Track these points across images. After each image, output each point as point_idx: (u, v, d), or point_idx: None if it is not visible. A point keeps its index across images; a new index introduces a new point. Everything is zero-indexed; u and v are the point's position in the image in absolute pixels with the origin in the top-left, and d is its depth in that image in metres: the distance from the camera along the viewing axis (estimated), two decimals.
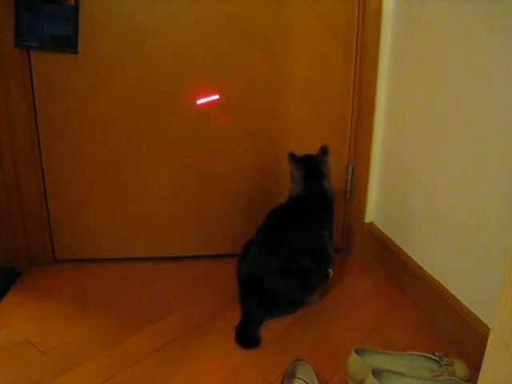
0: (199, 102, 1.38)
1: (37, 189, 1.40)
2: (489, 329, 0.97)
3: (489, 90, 0.98)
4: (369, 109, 1.46)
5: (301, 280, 1.22)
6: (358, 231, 1.59)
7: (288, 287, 1.21)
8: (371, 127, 1.48)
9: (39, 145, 1.37)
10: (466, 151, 1.07)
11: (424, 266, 1.28)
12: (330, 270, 1.39)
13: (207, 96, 1.40)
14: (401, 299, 1.33)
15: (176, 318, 1.22)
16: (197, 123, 1.42)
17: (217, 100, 1.41)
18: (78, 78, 1.33)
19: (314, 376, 0.94)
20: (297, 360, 0.99)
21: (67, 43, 1.29)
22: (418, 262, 1.31)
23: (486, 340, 0.51)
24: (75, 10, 1.26)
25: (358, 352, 0.98)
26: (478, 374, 0.54)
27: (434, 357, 1.00)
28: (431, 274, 1.24)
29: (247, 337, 1.12)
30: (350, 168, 1.54)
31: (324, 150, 1.35)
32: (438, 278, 1.21)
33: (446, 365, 0.98)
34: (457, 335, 1.11)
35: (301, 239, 1.22)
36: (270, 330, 1.17)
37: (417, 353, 1.02)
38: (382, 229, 1.53)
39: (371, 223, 1.59)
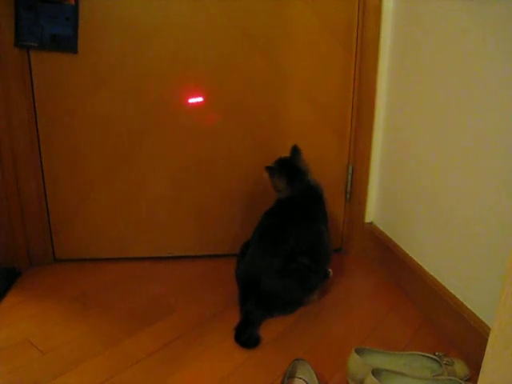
0: (192, 100, 1.38)
1: (37, 189, 1.40)
2: (489, 329, 0.97)
3: (489, 88, 0.98)
4: (369, 109, 1.46)
5: (299, 280, 1.22)
6: (358, 231, 1.59)
7: (287, 287, 1.21)
8: (371, 127, 1.48)
9: (39, 145, 1.38)
10: (466, 151, 1.07)
11: (424, 266, 1.28)
12: (330, 270, 1.39)
13: (207, 96, 1.40)
14: (401, 299, 1.33)
15: (176, 317, 1.22)
16: (197, 123, 1.42)
17: (217, 100, 1.41)
18: (78, 78, 1.33)
19: (314, 376, 0.94)
20: (297, 360, 0.99)
21: (67, 43, 1.29)
22: (418, 261, 1.31)
23: (486, 340, 0.51)
24: (75, 9, 1.26)
25: (358, 352, 0.98)
26: (478, 374, 0.54)
27: (434, 356, 1.00)
28: (431, 273, 1.24)
29: (246, 337, 1.12)
30: (350, 168, 1.54)
31: (295, 150, 1.34)
32: (438, 278, 1.21)
33: (446, 364, 0.98)
34: (457, 335, 1.11)
35: (301, 238, 1.22)
36: (269, 329, 1.17)
37: (417, 352, 1.02)
38: (382, 229, 1.53)
39: (371, 223, 1.59)
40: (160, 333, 1.15)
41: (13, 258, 1.41)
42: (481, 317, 1.04)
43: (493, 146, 0.98)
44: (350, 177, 1.55)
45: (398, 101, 1.39)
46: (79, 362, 1.04)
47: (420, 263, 1.30)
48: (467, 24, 1.04)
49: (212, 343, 1.12)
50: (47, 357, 1.06)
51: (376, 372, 0.90)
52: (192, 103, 1.40)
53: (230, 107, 1.42)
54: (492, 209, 0.99)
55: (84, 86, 1.34)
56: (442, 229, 1.18)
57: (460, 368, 0.99)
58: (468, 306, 1.09)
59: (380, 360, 1.00)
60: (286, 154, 1.36)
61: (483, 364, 0.52)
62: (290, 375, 0.98)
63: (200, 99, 1.40)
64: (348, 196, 1.57)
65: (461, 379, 0.93)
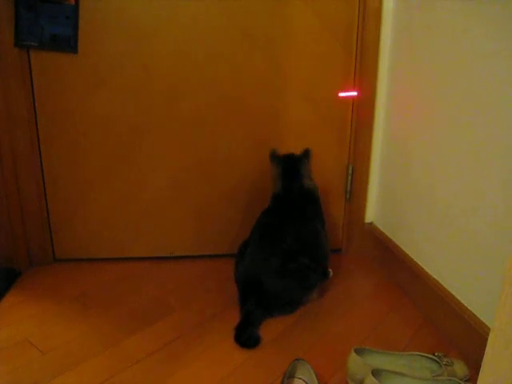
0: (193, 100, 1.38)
1: (37, 189, 1.40)
2: (489, 329, 0.97)
3: (489, 89, 0.98)
4: (369, 109, 1.46)
5: (299, 279, 1.22)
6: (358, 231, 1.59)
7: (287, 287, 1.21)
8: (371, 127, 1.48)
9: (39, 144, 1.38)
10: (465, 151, 1.07)
11: (424, 266, 1.28)
12: (330, 270, 1.39)
13: (207, 96, 1.40)
14: (401, 299, 1.33)
15: (176, 317, 1.22)
16: (197, 123, 1.42)
17: (217, 100, 1.41)
18: (78, 78, 1.33)
19: (314, 376, 0.94)
20: (297, 360, 0.99)
21: (67, 43, 1.29)
22: (417, 261, 1.31)
23: (486, 340, 0.51)
24: (75, 9, 1.26)
25: (358, 352, 0.98)
26: (478, 374, 0.54)
27: (433, 357, 1.00)
28: (431, 273, 1.24)
29: (246, 337, 1.12)
30: (350, 168, 1.54)
31: (306, 153, 1.35)
32: (438, 278, 1.21)
33: (445, 365, 0.98)
34: (457, 335, 1.11)
35: (299, 237, 1.22)
36: (269, 329, 1.17)
37: (417, 353, 1.02)
38: (382, 229, 1.53)
39: (371, 223, 1.59)
40: (160, 333, 1.15)
41: (13, 258, 1.41)
42: (481, 317, 1.04)
43: (493, 145, 0.98)
44: (349, 177, 1.55)
45: (398, 101, 1.39)
46: (79, 362, 1.04)
47: (420, 263, 1.30)
48: (467, 25, 1.04)
49: (212, 343, 1.12)
50: (47, 357, 1.06)
51: (376, 372, 0.90)
52: (192, 103, 1.40)
53: (230, 107, 1.42)
54: (492, 209, 0.99)
55: (84, 85, 1.34)
56: (442, 229, 1.18)
57: (460, 368, 0.99)
58: (468, 307, 1.09)
59: (380, 360, 1.00)
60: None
61: (483, 364, 0.52)
62: (290, 375, 0.98)
63: (200, 99, 1.40)
64: (348, 196, 1.57)
65: (461, 379, 0.93)
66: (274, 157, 1.35)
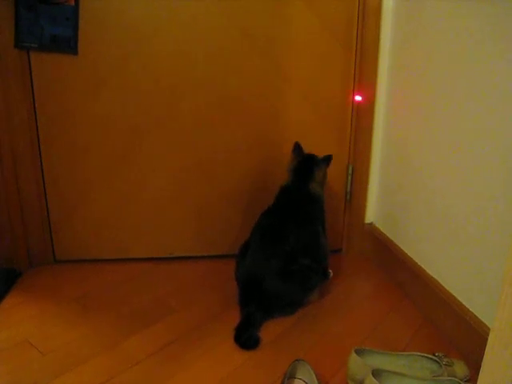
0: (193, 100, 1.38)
1: (37, 189, 1.40)
2: (489, 329, 0.97)
3: (490, 89, 0.98)
4: (369, 109, 1.46)
5: (300, 280, 1.22)
6: (358, 231, 1.59)
7: (288, 288, 1.21)
8: (371, 127, 1.48)
9: (39, 145, 1.38)
10: (466, 151, 1.07)
11: (424, 266, 1.28)
12: (330, 271, 1.39)
13: (207, 96, 1.40)
14: (401, 299, 1.33)
15: (176, 319, 1.22)
16: (197, 123, 1.42)
17: (217, 100, 1.41)
18: (78, 79, 1.33)
19: (314, 376, 0.94)
20: (297, 360, 0.98)
21: (67, 44, 1.29)
22: (417, 262, 1.31)
23: (486, 340, 0.51)
24: (75, 10, 1.26)
25: (358, 352, 0.98)
26: (478, 374, 0.54)
27: (433, 357, 1.00)
28: (431, 274, 1.24)
29: (246, 337, 1.12)
30: (350, 168, 1.54)
31: (326, 158, 1.35)
32: (438, 279, 1.21)
33: (445, 365, 0.98)
34: (457, 335, 1.11)
35: (300, 238, 1.22)
36: (269, 330, 1.17)
37: (417, 353, 1.02)
38: (382, 229, 1.53)
39: (371, 223, 1.59)
40: (160, 334, 1.15)
41: (13, 259, 1.41)
42: (481, 317, 1.04)
43: (493, 146, 0.98)
44: (350, 177, 1.55)
45: (398, 101, 1.39)
46: (79, 363, 1.04)
47: (420, 264, 1.30)
48: (467, 23, 1.04)
49: (212, 344, 1.12)
50: (47, 358, 1.06)
51: (376, 372, 0.90)
52: (192, 103, 1.40)
53: (230, 107, 1.42)
54: (492, 209, 0.99)
55: (84, 86, 1.34)
56: (442, 229, 1.18)
57: (460, 368, 0.99)
58: (468, 307, 1.08)
59: (380, 360, 1.00)
60: (287, 153, 1.38)
61: (483, 364, 0.52)
62: (290, 376, 0.97)
63: (200, 99, 1.40)
64: (348, 196, 1.57)
65: (461, 380, 0.93)
66: (297, 149, 1.35)
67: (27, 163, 1.36)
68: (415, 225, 1.32)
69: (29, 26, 1.25)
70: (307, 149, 1.37)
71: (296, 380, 0.98)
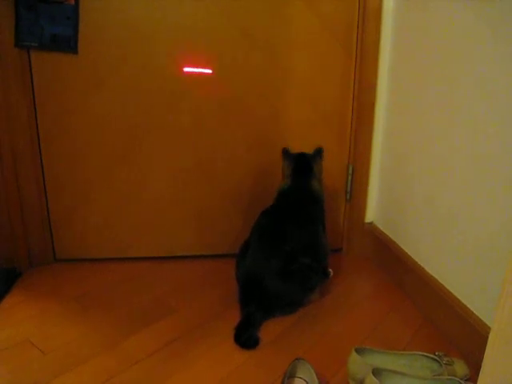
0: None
1: (37, 188, 1.40)
2: (489, 328, 0.97)
3: (490, 90, 0.98)
4: (369, 109, 1.46)
5: (301, 280, 1.22)
6: (358, 231, 1.59)
7: (288, 288, 1.21)
8: (371, 127, 1.48)
9: (39, 144, 1.38)
10: (466, 151, 1.07)
11: (424, 266, 1.28)
12: (330, 270, 1.39)
13: (207, 96, 1.40)
14: (401, 299, 1.33)
15: (176, 318, 1.22)
16: (197, 123, 1.42)
17: (217, 100, 1.41)
18: (78, 78, 1.33)
19: (314, 375, 0.94)
20: (297, 359, 0.99)
21: (67, 43, 1.29)
22: (418, 261, 1.31)
23: (486, 340, 0.51)
24: (75, 10, 1.26)
25: (359, 351, 0.98)
26: (478, 374, 0.54)
27: (434, 356, 1.00)
28: (431, 273, 1.24)
29: (246, 337, 1.12)
30: (350, 168, 1.54)
31: (318, 151, 1.36)
32: (439, 278, 1.21)
33: (446, 364, 0.98)
34: (457, 335, 1.11)
35: (300, 237, 1.22)
36: (270, 330, 1.17)
37: (417, 352, 1.02)
38: (382, 229, 1.53)
39: (371, 223, 1.59)
40: (160, 333, 1.15)
41: (13, 258, 1.41)
42: (481, 317, 1.04)
43: (492, 146, 0.98)
44: (350, 177, 1.55)
45: (398, 101, 1.39)
46: (80, 363, 1.04)
47: (420, 263, 1.30)
48: (468, 25, 1.04)
49: (212, 344, 1.12)
50: (48, 357, 1.06)
51: (376, 372, 0.90)
52: (192, 103, 1.40)
53: (230, 107, 1.42)
54: (491, 209, 0.99)
55: (84, 85, 1.34)
56: (442, 228, 1.18)
57: (460, 368, 1.00)
58: (468, 306, 1.09)
59: (380, 360, 1.00)
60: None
61: (483, 364, 0.52)
62: (291, 375, 0.98)
63: (200, 99, 1.40)
64: (348, 196, 1.57)
65: (461, 379, 0.93)
66: (287, 154, 1.36)
67: (27, 162, 1.37)
68: (415, 224, 1.32)
69: (29, 25, 1.25)
70: (307, 149, 1.37)
71: (296, 379, 0.98)
